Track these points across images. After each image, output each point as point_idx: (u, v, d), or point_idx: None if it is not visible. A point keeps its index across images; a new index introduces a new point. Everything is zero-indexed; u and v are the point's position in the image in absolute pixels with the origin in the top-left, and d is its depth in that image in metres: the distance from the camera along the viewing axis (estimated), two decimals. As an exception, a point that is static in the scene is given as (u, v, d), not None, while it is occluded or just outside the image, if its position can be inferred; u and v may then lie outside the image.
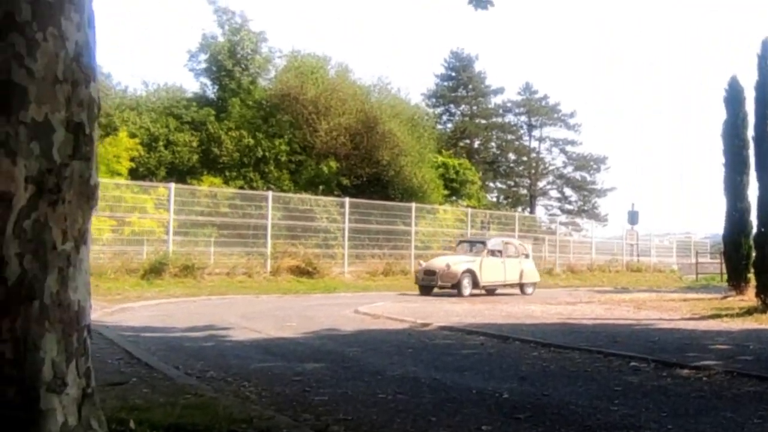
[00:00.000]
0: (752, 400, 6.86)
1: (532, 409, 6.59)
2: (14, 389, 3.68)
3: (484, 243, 27.10)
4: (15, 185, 3.59)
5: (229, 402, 6.34)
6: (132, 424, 4.76)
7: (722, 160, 19.69)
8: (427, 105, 56.48)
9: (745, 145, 18.47)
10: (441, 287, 23.98)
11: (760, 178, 16.12)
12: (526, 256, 27.98)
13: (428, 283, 24.09)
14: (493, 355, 10.00)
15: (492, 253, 25.91)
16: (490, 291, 25.70)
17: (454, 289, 23.80)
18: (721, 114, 19.40)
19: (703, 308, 16.97)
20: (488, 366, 9.08)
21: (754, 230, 16.94)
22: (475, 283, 24.46)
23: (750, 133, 17.30)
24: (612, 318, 15.52)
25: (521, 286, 26.54)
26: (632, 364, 9.14)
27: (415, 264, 27.71)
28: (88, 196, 4.04)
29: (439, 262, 24.71)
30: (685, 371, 8.51)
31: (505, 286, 26.26)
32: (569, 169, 67.25)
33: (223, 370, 8.28)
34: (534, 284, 27.22)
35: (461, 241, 29.62)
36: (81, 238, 3.97)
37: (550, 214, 64.51)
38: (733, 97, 18.73)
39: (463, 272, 24.07)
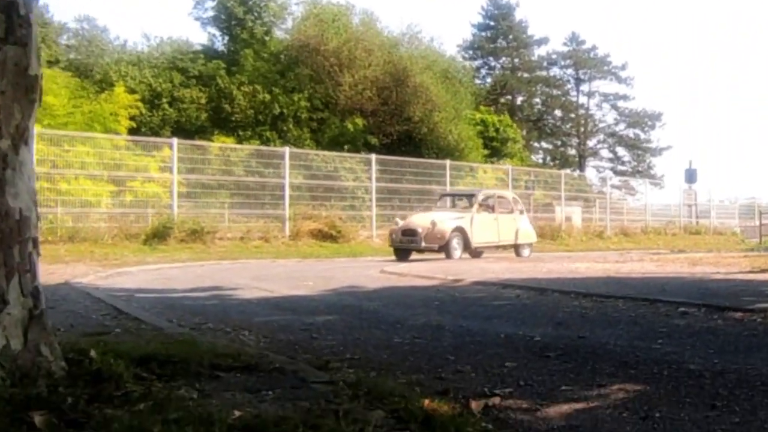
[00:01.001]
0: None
1: (564, 349, 6.57)
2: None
3: (473, 196, 25.05)
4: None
5: (218, 342, 6.14)
6: (93, 353, 4.52)
7: None
8: (464, 57, 56.05)
9: None
10: (424, 250, 21.98)
11: None
12: (521, 212, 26.18)
13: (407, 246, 22.14)
14: (528, 306, 9.98)
15: (484, 208, 24.52)
16: (477, 254, 23.95)
17: (441, 252, 21.86)
18: None
19: (764, 263, 16.97)
20: (521, 314, 9.02)
21: None
22: (466, 244, 22.79)
23: None
24: (663, 272, 15.35)
25: (516, 248, 25.14)
26: (680, 309, 9.10)
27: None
28: (26, 88, 3.93)
29: (421, 220, 22.56)
30: (738, 314, 8.60)
31: (498, 247, 24.99)
32: (621, 126, 66.63)
33: (222, 323, 8.11)
34: (530, 245, 25.89)
35: (443, 195, 27.23)
36: (20, 137, 3.87)
37: (601, 176, 63.29)
38: None
39: (453, 231, 22.24)
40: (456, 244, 22.09)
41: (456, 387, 4.90)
